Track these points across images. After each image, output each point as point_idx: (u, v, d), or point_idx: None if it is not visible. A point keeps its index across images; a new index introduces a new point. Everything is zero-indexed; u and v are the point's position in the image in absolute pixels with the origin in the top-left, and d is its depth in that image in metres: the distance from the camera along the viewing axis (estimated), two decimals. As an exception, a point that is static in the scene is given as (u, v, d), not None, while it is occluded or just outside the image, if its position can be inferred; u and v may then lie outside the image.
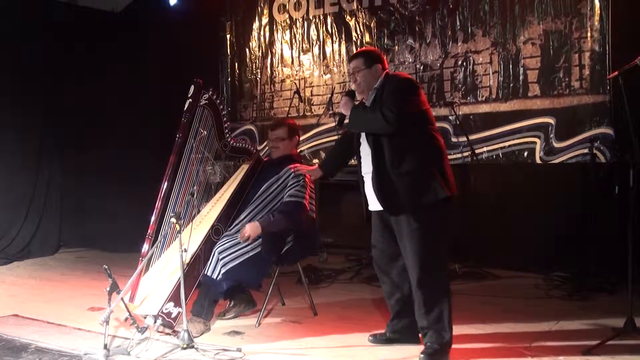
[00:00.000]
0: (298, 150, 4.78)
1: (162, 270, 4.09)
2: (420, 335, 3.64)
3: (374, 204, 3.63)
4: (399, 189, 3.45)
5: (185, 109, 4.23)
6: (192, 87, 4.27)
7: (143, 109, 7.47)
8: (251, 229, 4.12)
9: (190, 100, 4.24)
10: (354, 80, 3.69)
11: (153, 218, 4.03)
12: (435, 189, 3.45)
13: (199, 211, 4.42)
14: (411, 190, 3.44)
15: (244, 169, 4.59)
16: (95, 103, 7.59)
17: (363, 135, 3.68)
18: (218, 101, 4.42)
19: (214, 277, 4.05)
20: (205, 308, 4.09)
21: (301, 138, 7.35)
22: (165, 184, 4.09)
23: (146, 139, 7.27)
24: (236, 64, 8.10)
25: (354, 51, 7.07)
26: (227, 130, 4.47)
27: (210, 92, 4.37)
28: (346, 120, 3.78)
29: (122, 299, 3.68)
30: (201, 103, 4.31)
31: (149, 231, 4.04)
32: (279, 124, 4.60)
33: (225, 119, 4.47)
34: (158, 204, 4.06)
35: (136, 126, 7.53)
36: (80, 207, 7.73)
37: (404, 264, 3.60)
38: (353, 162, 4.00)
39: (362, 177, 3.73)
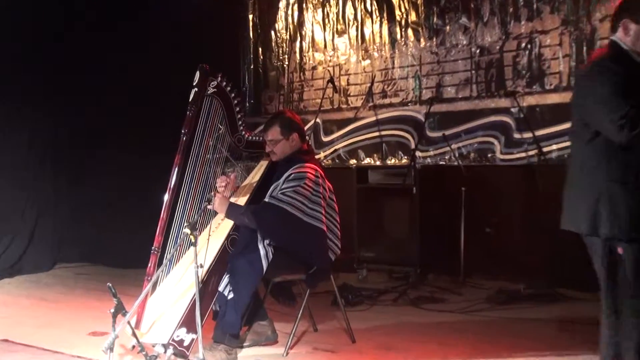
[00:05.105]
0: (308, 145, 4.59)
1: (172, 289, 4.05)
2: None
3: None
4: None
5: (190, 99, 4.16)
6: (197, 73, 4.20)
7: (154, 107, 7.45)
8: (218, 202, 4.10)
9: (196, 89, 4.17)
10: None
11: (158, 230, 4.01)
12: None
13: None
14: None
15: (262, 166, 4.55)
16: (97, 105, 7.61)
17: None
18: (229, 88, 4.34)
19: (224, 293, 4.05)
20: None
21: (336, 135, 7.39)
22: (170, 190, 4.05)
23: (156, 141, 7.23)
24: (260, 49, 8.12)
25: (398, 32, 7.04)
26: (240, 123, 4.41)
27: (219, 79, 4.30)
28: None
29: (128, 322, 3.66)
30: (209, 92, 4.25)
31: (154, 245, 4.02)
32: (268, 124, 4.40)
33: (238, 108, 4.40)
34: (163, 213, 4.03)
35: (146, 127, 7.54)
36: (80, 218, 7.80)
37: None
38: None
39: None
